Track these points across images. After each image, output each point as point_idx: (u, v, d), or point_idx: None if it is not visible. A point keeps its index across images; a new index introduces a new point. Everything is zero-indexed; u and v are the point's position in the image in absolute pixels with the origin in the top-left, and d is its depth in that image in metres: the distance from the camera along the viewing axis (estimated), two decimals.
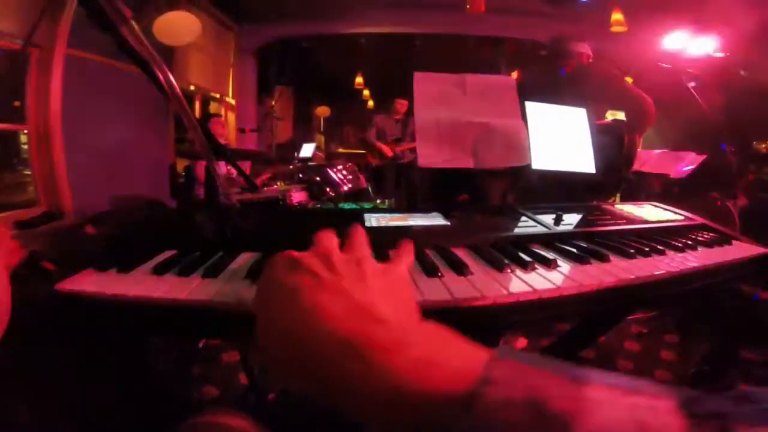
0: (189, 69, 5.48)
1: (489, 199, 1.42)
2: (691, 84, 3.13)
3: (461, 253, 0.72)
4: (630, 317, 2.69)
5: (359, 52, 7.01)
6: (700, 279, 0.76)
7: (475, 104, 1.12)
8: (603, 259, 0.72)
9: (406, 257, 0.46)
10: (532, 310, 0.57)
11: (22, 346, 0.83)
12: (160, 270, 0.64)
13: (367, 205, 3.26)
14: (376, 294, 0.36)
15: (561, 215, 0.93)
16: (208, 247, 0.74)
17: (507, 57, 6.85)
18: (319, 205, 2.60)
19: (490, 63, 6.87)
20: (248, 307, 0.53)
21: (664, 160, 3.75)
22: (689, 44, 4.25)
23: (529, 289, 0.58)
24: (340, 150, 6.08)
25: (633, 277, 0.66)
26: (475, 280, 0.60)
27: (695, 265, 0.75)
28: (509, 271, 0.64)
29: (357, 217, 0.87)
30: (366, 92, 9.85)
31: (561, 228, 0.88)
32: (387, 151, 5.09)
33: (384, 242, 0.74)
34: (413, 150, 5.03)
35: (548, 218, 0.92)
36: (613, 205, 1.19)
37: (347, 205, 2.92)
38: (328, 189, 2.67)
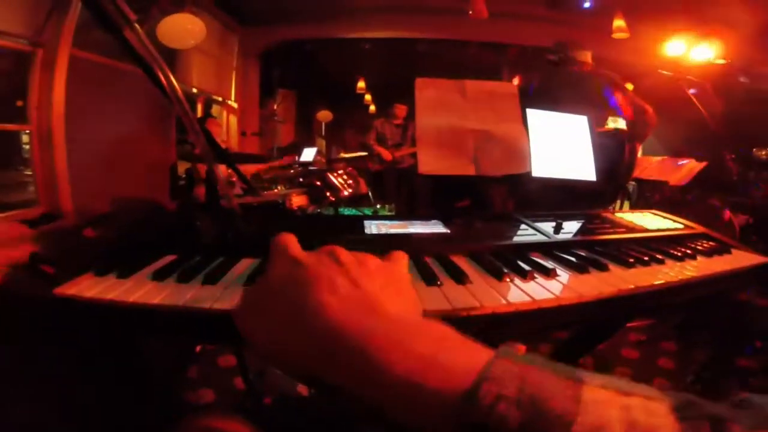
0: (192, 71, 5.50)
1: (489, 206, 1.42)
2: (692, 91, 3.13)
3: (461, 262, 0.72)
4: (628, 325, 2.68)
5: (362, 56, 7.03)
6: (699, 288, 0.76)
7: (476, 111, 1.12)
8: (602, 268, 0.72)
9: (402, 257, 0.47)
10: (531, 320, 0.57)
11: (20, 348, 0.83)
12: (159, 276, 0.64)
13: (367, 211, 3.26)
14: (380, 291, 0.37)
15: (561, 223, 0.93)
16: (209, 252, 0.74)
17: (509, 62, 6.86)
18: (319, 210, 2.60)
19: (492, 68, 6.88)
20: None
21: (664, 167, 3.75)
22: (690, 51, 4.26)
23: (528, 299, 0.58)
24: (342, 155, 6.07)
25: (632, 287, 0.66)
26: (474, 290, 0.60)
27: (694, 274, 0.75)
28: (508, 280, 0.64)
29: (357, 223, 0.87)
30: (368, 97, 9.87)
31: (560, 236, 0.88)
32: (386, 155, 5.10)
33: (384, 250, 0.74)
34: (413, 155, 5.04)
35: (548, 226, 0.92)
36: (613, 213, 1.19)
37: (347, 210, 2.92)
38: (328, 193, 2.66)
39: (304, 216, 2.25)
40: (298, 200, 2.51)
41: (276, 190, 2.90)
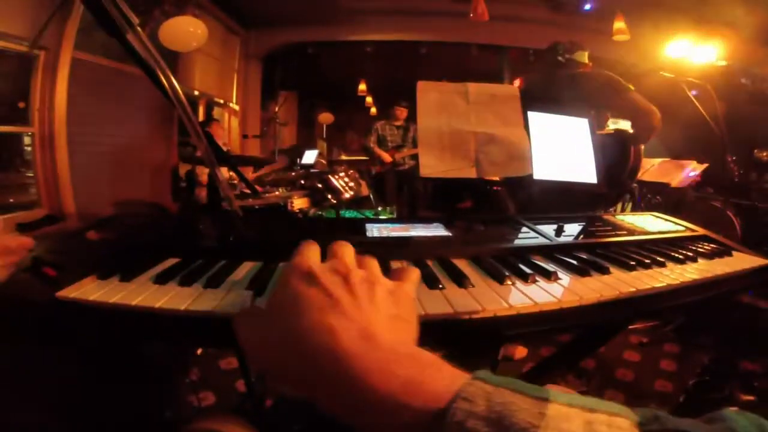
0: (194, 73, 5.51)
1: (491, 208, 1.42)
2: (693, 93, 3.13)
3: (462, 265, 0.72)
4: (630, 327, 2.68)
5: (363, 59, 7.04)
6: (700, 291, 0.76)
7: (477, 113, 1.12)
8: (603, 271, 0.72)
9: (413, 275, 0.49)
10: (533, 323, 0.57)
11: (22, 352, 0.83)
12: (161, 279, 0.64)
13: (368, 213, 3.27)
14: (382, 318, 0.38)
15: (562, 226, 0.93)
16: (211, 256, 0.74)
17: (510, 64, 6.87)
18: (320, 212, 2.61)
19: (493, 70, 6.89)
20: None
21: (665, 169, 3.75)
22: (691, 52, 4.26)
23: (529, 302, 0.58)
24: (343, 157, 6.09)
25: (633, 290, 0.66)
26: (475, 293, 0.60)
27: (695, 277, 0.75)
28: (510, 283, 0.64)
29: (359, 226, 0.87)
30: (369, 99, 9.89)
31: (562, 239, 0.88)
32: (386, 157, 5.11)
33: (386, 253, 0.74)
34: (414, 156, 5.04)
35: (549, 229, 0.92)
36: (614, 215, 1.19)
37: (349, 213, 2.92)
38: (329, 196, 2.67)
39: (306, 218, 2.25)
40: (299, 203, 2.52)
41: (277, 193, 2.91)
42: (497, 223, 0.99)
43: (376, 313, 0.38)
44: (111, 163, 4.17)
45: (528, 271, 0.68)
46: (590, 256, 0.80)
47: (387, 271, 0.66)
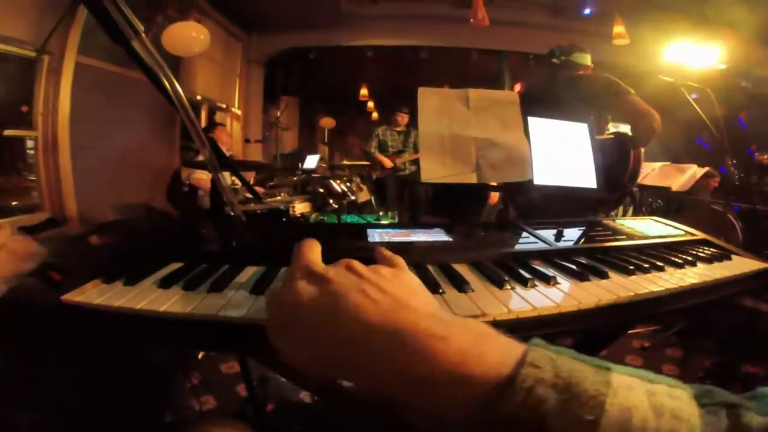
0: (196, 78, 5.53)
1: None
2: (693, 96, 3.13)
3: (462, 270, 0.72)
4: (632, 331, 2.68)
5: (365, 64, 7.07)
6: (699, 295, 0.76)
7: (478, 119, 1.13)
8: (602, 275, 0.72)
9: (401, 261, 0.48)
10: (532, 328, 0.58)
11: (27, 355, 0.84)
12: (166, 283, 0.65)
13: (370, 218, 3.27)
14: (407, 292, 0.38)
15: (562, 231, 0.94)
16: (214, 260, 0.75)
17: (511, 69, 6.90)
18: (322, 217, 2.62)
19: (494, 75, 6.92)
20: (253, 321, 0.54)
21: (666, 173, 3.75)
22: (691, 55, 4.27)
23: (528, 306, 0.58)
24: (344, 162, 6.10)
25: (632, 294, 0.66)
26: (475, 297, 0.61)
27: (694, 281, 0.76)
28: (509, 288, 0.65)
29: (360, 232, 0.88)
30: (370, 104, 9.93)
31: (561, 244, 0.89)
32: (387, 162, 5.12)
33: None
34: (415, 162, 5.06)
35: (549, 234, 0.93)
36: (614, 220, 1.20)
37: (350, 218, 2.93)
38: (331, 201, 2.68)
39: (307, 224, 2.26)
40: (300, 207, 2.53)
41: (279, 198, 2.92)
42: (498, 228, 1.00)
43: (396, 290, 0.38)
44: (113, 168, 4.18)
45: (527, 275, 0.69)
46: (589, 261, 0.81)
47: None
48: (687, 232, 1.12)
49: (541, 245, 0.87)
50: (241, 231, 0.91)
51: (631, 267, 0.77)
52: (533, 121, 1.21)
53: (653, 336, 2.70)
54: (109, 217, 3.66)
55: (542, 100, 2.32)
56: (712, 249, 1.00)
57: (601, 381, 0.28)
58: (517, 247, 0.87)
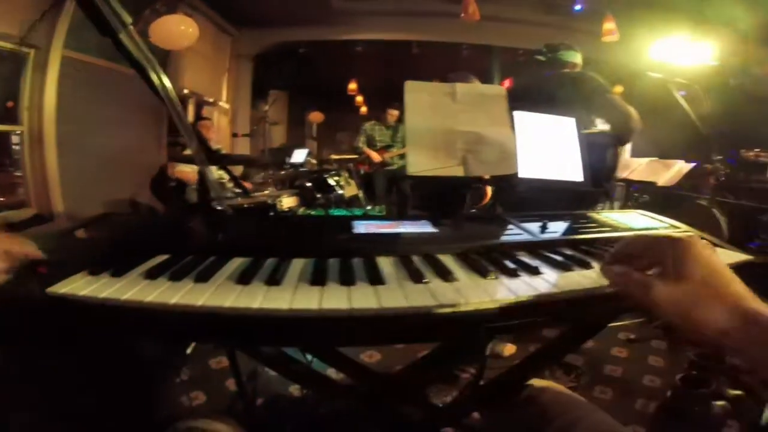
0: (184, 72, 5.48)
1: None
2: (681, 93, 3.17)
3: (447, 261, 0.73)
4: (618, 324, 2.71)
5: (355, 58, 7.05)
6: None
7: (465, 113, 1.14)
8: (585, 266, 0.73)
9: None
10: (516, 316, 0.59)
11: (12, 348, 0.83)
12: (152, 274, 0.65)
13: (358, 211, 3.27)
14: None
15: (547, 223, 0.95)
16: (200, 252, 0.75)
17: (501, 64, 6.92)
18: (310, 211, 2.61)
19: (484, 70, 6.93)
20: (239, 310, 0.55)
21: (653, 168, 3.80)
22: (680, 53, 4.31)
23: (511, 295, 0.59)
24: (333, 156, 6.10)
25: None
26: (459, 286, 0.62)
27: None
28: (493, 277, 0.66)
29: (346, 224, 0.88)
30: (359, 98, 9.89)
31: (546, 236, 0.90)
32: (375, 156, 5.13)
33: (373, 250, 0.76)
34: (403, 156, 5.08)
35: (534, 226, 0.94)
36: (599, 213, 1.21)
37: (338, 211, 2.93)
38: (319, 195, 2.67)
39: (294, 217, 2.25)
40: (288, 201, 2.53)
41: (267, 192, 2.91)
42: (484, 220, 1.01)
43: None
44: (100, 163, 4.13)
45: (512, 266, 0.70)
46: (573, 252, 0.82)
47: (372, 267, 0.68)
48: (671, 225, 1.14)
49: (526, 237, 0.88)
50: (228, 223, 0.91)
51: None
52: (519, 115, 1.22)
53: (639, 328, 2.73)
54: (96, 213, 3.62)
55: (527, 97, 2.33)
56: None
57: None
58: (503, 238, 0.88)
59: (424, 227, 0.89)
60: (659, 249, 0.54)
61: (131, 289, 0.60)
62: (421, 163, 1.03)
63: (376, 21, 6.44)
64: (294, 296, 0.58)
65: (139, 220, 1.17)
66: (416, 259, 0.72)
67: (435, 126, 1.09)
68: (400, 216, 3.75)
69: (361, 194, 4.10)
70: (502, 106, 1.17)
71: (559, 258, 0.76)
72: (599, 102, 2.17)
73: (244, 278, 0.63)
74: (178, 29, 4.11)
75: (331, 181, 2.67)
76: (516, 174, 1.09)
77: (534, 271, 0.69)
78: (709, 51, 4.31)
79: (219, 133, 6.47)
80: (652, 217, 1.21)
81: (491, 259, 0.74)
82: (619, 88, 5.41)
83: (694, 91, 3.03)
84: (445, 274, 0.65)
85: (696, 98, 3.06)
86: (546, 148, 1.25)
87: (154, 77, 0.81)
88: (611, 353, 2.51)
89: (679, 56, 4.32)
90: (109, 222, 1.06)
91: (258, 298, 0.57)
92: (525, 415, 0.88)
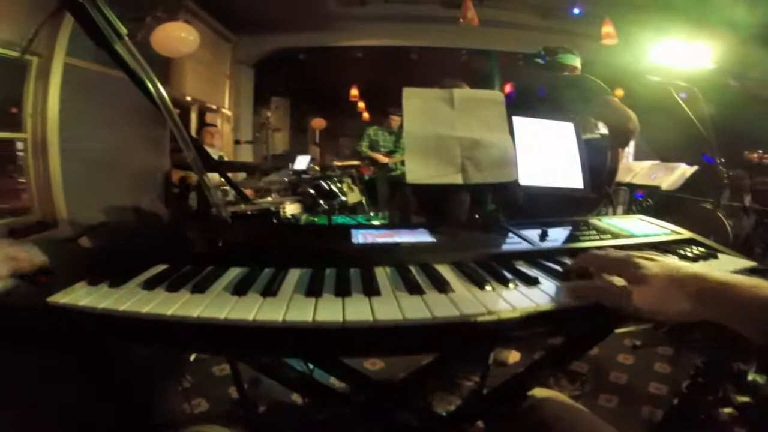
0: (186, 80, 5.50)
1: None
2: (682, 95, 3.16)
3: (444, 271, 0.73)
4: (623, 330, 2.69)
5: (356, 64, 7.07)
6: None
7: (462, 119, 1.13)
8: (584, 276, 0.73)
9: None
10: (513, 327, 0.58)
11: (15, 357, 0.83)
12: (150, 285, 0.65)
13: (360, 218, 3.27)
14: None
15: (546, 231, 0.94)
16: (199, 262, 0.75)
17: (500, 69, 6.93)
18: (312, 218, 2.61)
19: (483, 75, 6.95)
20: (234, 322, 0.55)
21: (655, 172, 3.78)
22: (679, 56, 4.30)
23: (508, 306, 0.59)
24: (336, 163, 6.11)
25: None
26: (455, 298, 0.61)
27: None
28: (490, 288, 0.65)
29: (345, 233, 0.88)
30: (361, 104, 9.92)
31: (545, 244, 0.89)
32: (381, 158, 5.13)
33: (371, 259, 0.75)
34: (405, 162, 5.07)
35: (533, 234, 0.94)
36: (599, 219, 1.20)
37: (341, 218, 2.93)
38: (321, 201, 2.67)
39: (292, 226, 2.25)
40: (291, 208, 2.53)
41: (270, 198, 2.91)
42: (482, 228, 1.00)
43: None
44: (103, 170, 4.14)
45: (509, 276, 0.69)
46: (573, 261, 0.81)
47: (370, 277, 0.67)
48: (673, 231, 1.13)
49: (525, 246, 0.88)
50: (226, 233, 0.91)
51: None
52: (518, 121, 1.21)
53: (644, 334, 2.71)
54: (99, 220, 3.64)
55: (528, 101, 2.34)
56: (698, 248, 1.01)
57: None
58: (502, 247, 0.88)
59: (422, 236, 0.89)
60: (615, 264, 0.64)
61: (129, 299, 0.61)
62: (419, 171, 1.03)
63: (376, 27, 6.45)
64: (289, 308, 0.58)
65: (139, 228, 1.17)
66: (413, 269, 0.72)
67: (433, 133, 1.09)
68: (403, 222, 3.75)
69: (364, 200, 4.10)
70: (500, 111, 1.17)
71: (558, 268, 0.76)
72: (599, 105, 2.17)
73: (240, 289, 0.63)
74: (178, 36, 4.13)
75: (334, 188, 2.67)
76: (516, 181, 1.08)
77: (532, 282, 0.69)
78: (708, 53, 4.30)
79: (222, 141, 6.50)
80: (652, 223, 1.20)
81: (489, 269, 0.74)
82: (619, 92, 5.41)
83: (693, 93, 3.02)
84: (442, 285, 0.65)
85: (696, 101, 3.04)
86: (545, 154, 1.24)
87: (150, 87, 0.81)
88: (616, 360, 2.49)
89: (678, 59, 4.31)
90: (110, 230, 1.06)
91: (253, 310, 0.57)
92: (527, 425, 0.87)
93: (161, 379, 1.71)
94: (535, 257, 0.82)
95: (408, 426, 0.92)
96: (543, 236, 0.92)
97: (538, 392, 0.95)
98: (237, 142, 6.62)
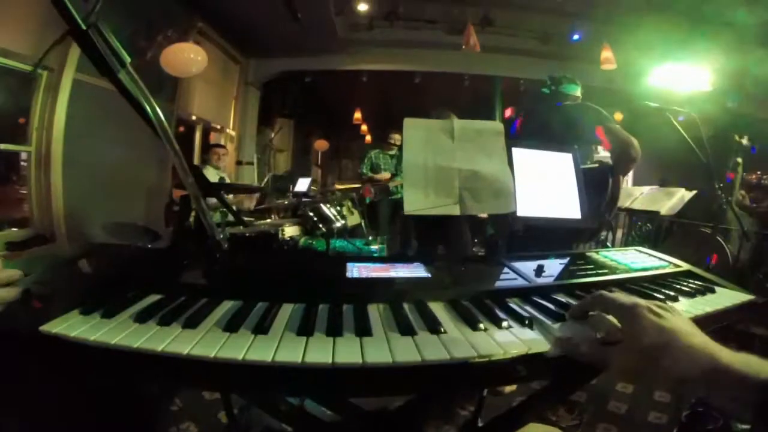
0: (193, 98, 5.57)
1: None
2: (680, 118, 3.17)
3: (437, 309, 0.73)
4: None
5: (360, 88, 7.16)
6: None
7: (462, 150, 1.14)
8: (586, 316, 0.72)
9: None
10: (503, 371, 0.58)
11: (6, 382, 0.83)
12: (142, 318, 0.65)
13: (359, 242, 3.26)
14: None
15: (542, 266, 0.94)
16: (193, 292, 0.75)
17: (502, 93, 7.01)
18: (311, 241, 2.61)
19: (485, 99, 7.03)
20: (223, 360, 0.54)
21: (655, 197, 3.79)
22: (677, 79, 4.35)
23: (500, 350, 0.58)
24: (337, 186, 6.13)
25: None
26: (446, 339, 0.61)
27: None
28: (483, 329, 0.65)
29: (340, 266, 0.88)
30: (364, 127, 10.02)
31: (541, 280, 0.89)
32: (384, 176, 5.16)
33: (365, 295, 0.75)
34: None
35: (529, 269, 0.93)
36: (597, 252, 1.20)
37: (339, 242, 2.92)
38: (321, 225, 2.67)
39: (288, 255, 2.23)
40: (290, 231, 2.52)
41: (269, 221, 2.91)
42: (478, 262, 1.00)
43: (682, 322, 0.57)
44: (105, 186, 4.17)
45: (502, 316, 0.69)
46: (568, 299, 0.81)
47: (363, 312, 0.67)
48: (671, 264, 1.12)
49: (520, 282, 0.87)
50: (221, 260, 0.91)
51: None
52: (517, 152, 1.22)
53: None
54: (99, 236, 3.63)
55: (533, 130, 2.36)
56: (695, 282, 1.00)
57: None
58: (496, 284, 0.87)
59: (417, 271, 0.89)
60: (619, 312, 0.60)
61: (121, 332, 0.60)
62: (417, 202, 1.03)
63: (381, 52, 6.56)
64: (279, 347, 0.58)
65: (135, 253, 1.17)
66: (407, 307, 0.72)
67: (432, 163, 1.09)
68: (403, 246, 3.74)
69: (363, 224, 4.09)
70: (499, 142, 1.17)
71: (552, 306, 0.75)
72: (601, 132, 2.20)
73: (232, 325, 0.63)
74: (187, 57, 4.20)
75: (333, 212, 2.67)
76: (514, 213, 1.08)
77: (525, 323, 0.68)
78: (706, 76, 4.34)
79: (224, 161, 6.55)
80: (650, 255, 1.20)
81: (483, 308, 0.73)
82: (618, 115, 5.45)
83: (691, 117, 3.03)
84: (434, 326, 0.64)
85: (693, 124, 3.05)
86: (544, 184, 1.25)
87: (151, 114, 0.82)
88: (615, 389, 2.46)
89: (676, 82, 4.36)
90: (107, 253, 1.06)
91: (243, 349, 0.57)
92: None
93: (150, 401, 1.69)
94: (529, 294, 0.82)
95: None
96: (539, 271, 0.92)
97: (533, 428, 0.93)
98: (239, 162, 6.66)
